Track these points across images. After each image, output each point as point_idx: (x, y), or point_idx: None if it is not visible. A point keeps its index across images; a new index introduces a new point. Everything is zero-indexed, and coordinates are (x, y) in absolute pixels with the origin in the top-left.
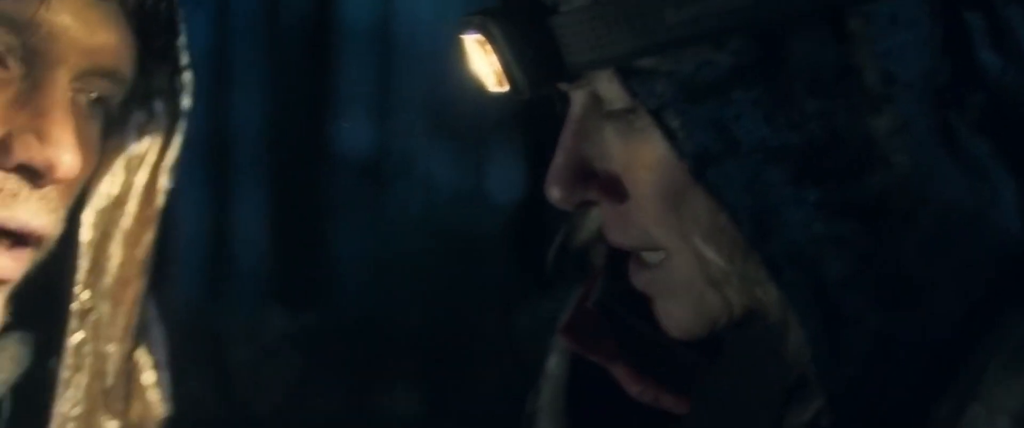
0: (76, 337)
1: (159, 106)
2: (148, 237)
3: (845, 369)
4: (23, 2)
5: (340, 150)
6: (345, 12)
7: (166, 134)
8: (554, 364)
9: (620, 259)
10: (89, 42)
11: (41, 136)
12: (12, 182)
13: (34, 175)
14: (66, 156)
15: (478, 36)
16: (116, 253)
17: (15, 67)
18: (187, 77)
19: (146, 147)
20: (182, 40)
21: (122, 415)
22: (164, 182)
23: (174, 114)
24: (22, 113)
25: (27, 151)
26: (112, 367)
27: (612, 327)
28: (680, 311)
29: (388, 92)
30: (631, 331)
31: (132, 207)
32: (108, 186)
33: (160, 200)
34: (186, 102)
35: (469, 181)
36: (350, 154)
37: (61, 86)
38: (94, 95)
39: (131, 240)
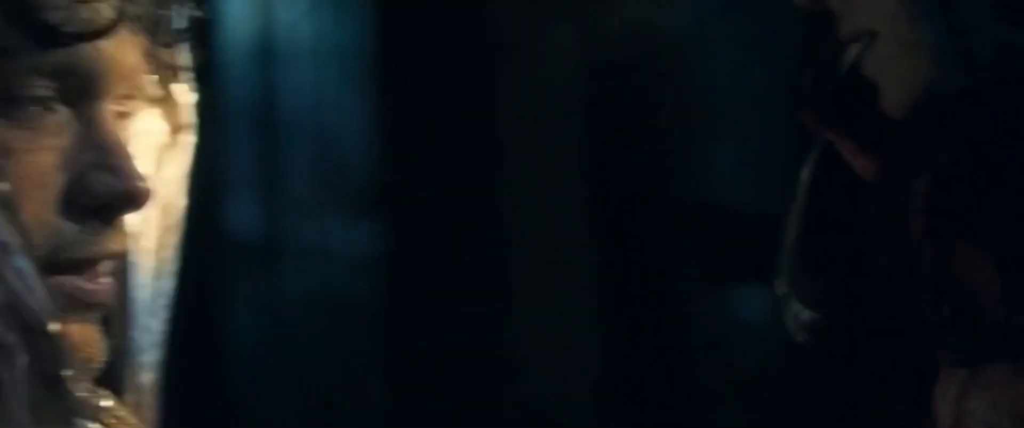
0: None
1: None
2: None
3: (968, 75)
4: (59, 52)
5: (230, 230)
6: (227, 91)
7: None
8: (805, 173)
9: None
10: (124, 67)
11: (114, 171)
12: (95, 221)
13: (114, 210)
14: (141, 186)
15: None
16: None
17: (63, 110)
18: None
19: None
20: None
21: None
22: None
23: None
24: (86, 153)
25: (107, 189)
26: None
27: (840, 108)
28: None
29: (275, 169)
30: (853, 109)
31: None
32: None
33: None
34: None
35: (363, 251)
36: (240, 234)
37: (110, 117)
38: (125, 111)
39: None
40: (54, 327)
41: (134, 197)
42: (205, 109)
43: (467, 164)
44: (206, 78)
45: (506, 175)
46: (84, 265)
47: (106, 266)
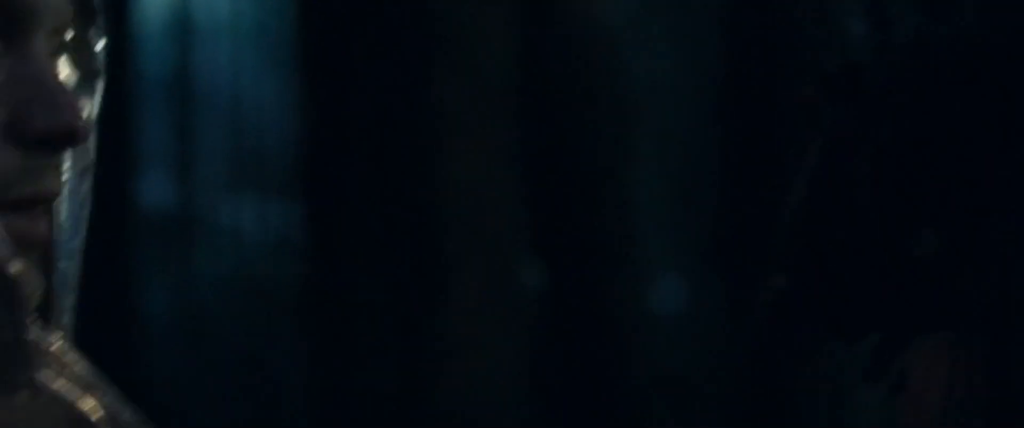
0: None
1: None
2: None
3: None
4: None
5: (143, 206)
6: (142, 65)
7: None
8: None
9: None
10: (56, 2)
11: (53, 107)
12: (37, 156)
13: (55, 145)
14: (81, 122)
15: None
16: None
17: None
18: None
19: None
20: None
21: None
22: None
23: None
24: (22, 88)
25: (47, 124)
26: None
27: None
28: None
29: (189, 145)
30: None
31: None
32: None
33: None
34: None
35: (278, 231)
36: (153, 210)
37: (44, 52)
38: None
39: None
40: (15, 268)
41: (75, 132)
42: (120, 83)
43: (395, 146)
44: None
45: (435, 158)
46: (27, 204)
47: (45, 206)
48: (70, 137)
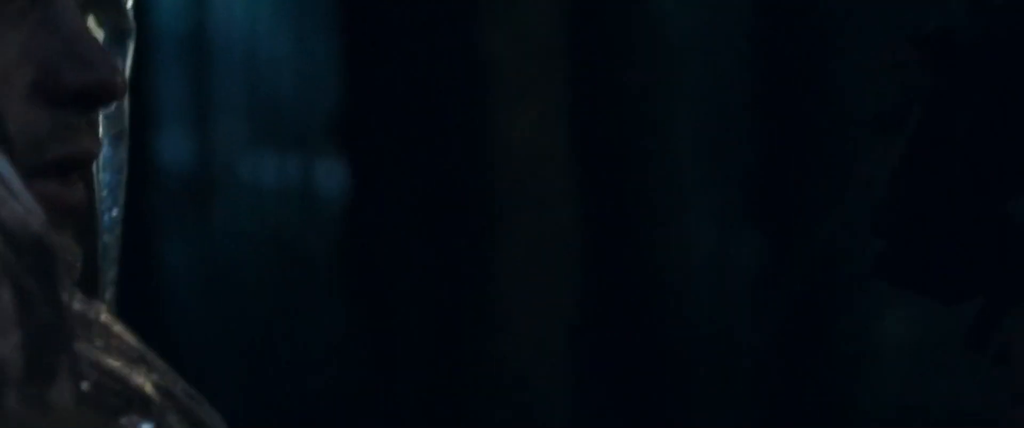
0: None
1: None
2: None
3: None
4: None
5: (161, 163)
6: (158, 21)
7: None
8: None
9: None
10: None
11: (86, 63)
12: (70, 115)
13: (88, 103)
14: (117, 77)
15: None
16: None
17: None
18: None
19: None
20: None
21: None
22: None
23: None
24: (52, 44)
25: (80, 81)
26: None
27: None
28: None
29: (207, 101)
30: None
31: None
32: None
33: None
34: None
35: (296, 185)
36: (172, 166)
37: (72, 6)
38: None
39: None
40: (49, 237)
41: (111, 88)
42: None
43: (431, 100)
44: None
45: (473, 111)
46: (61, 167)
47: (80, 172)
48: (105, 94)
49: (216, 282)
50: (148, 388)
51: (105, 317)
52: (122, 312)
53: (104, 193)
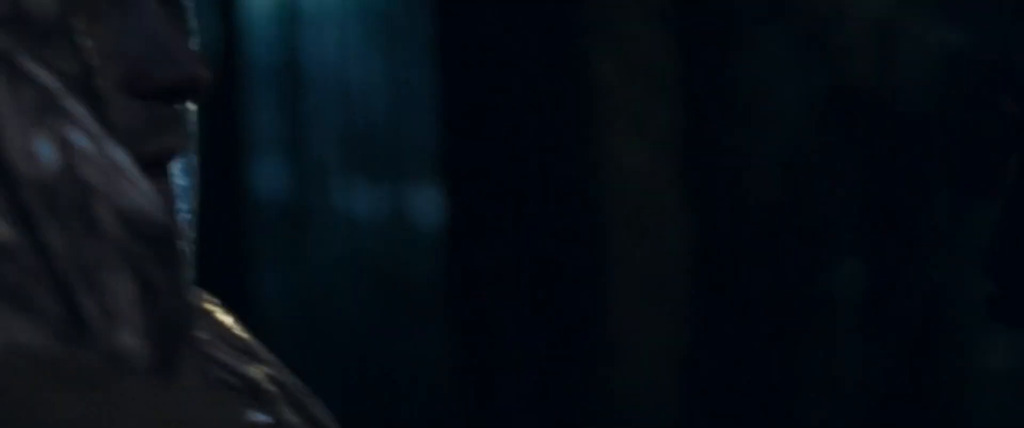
0: None
1: None
2: None
3: None
4: None
5: (256, 192)
6: (252, 51)
7: None
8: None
9: None
10: None
11: (169, 57)
12: (159, 109)
13: (176, 97)
14: (203, 72)
15: None
16: None
17: None
18: None
19: None
20: None
21: None
22: None
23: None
24: (137, 39)
25: (168, 75)
26: None
27: None
28: None
29: (302, 130)
30: None
31: None
32: None
33: None
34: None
35: (389, 214)
36: (267, 195)
37: (153, 3)
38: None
39: None
40: (171, 226)
41: (198, 83)
42: (232, 70)
43: (532, 127)
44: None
45: (581, 139)
46: (154, 161)
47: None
48: (193, 88)
49: (312, 311)
50: (262, 379)
51: (214, 308)
52: None
53: (180, 193)
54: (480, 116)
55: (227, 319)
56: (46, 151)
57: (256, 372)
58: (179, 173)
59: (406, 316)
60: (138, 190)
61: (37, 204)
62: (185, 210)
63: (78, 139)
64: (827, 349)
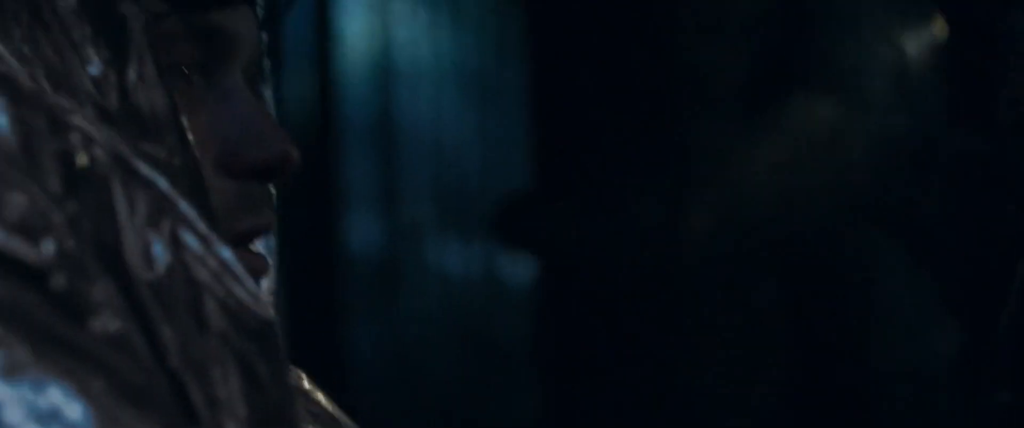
0: None
1: None
2: None
3: None
4: (200, 14)
5: (350, 247)
6: (346, 108)
7: None
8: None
9: None
10: (250, 38)
11: (259, 139)
12: (251, 187)
13: (267, 176)
14: (292, 150)
15: None
16: None
17: (198, 80)
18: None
19: None
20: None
21: None
22: None
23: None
24: (229, 123)
25: (258, 155)
26: None
27: None
28: None
29: (394, 186)
30: None
31: None
32: None
33: None
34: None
35: (482, 271)
36: (360, 251)
37: (242, 84)
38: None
39: None
40: (275, 321)
41: (287, 162)
42: (326, 128)
43: (622, 186)
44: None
45: (669, 202)
46: (249, 237)
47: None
48: (282, 167)
49: (403, 367)
50: None
51: (306, 384)
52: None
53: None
54: (573, 174)
55: (318, 395)
56: (160, 252)
57: None
58: (263, 247)
59: (497, 374)
60: (243, 287)
61: (152, 302)
62: (273, 281)
63: (189, 240)
64: (920, 405)
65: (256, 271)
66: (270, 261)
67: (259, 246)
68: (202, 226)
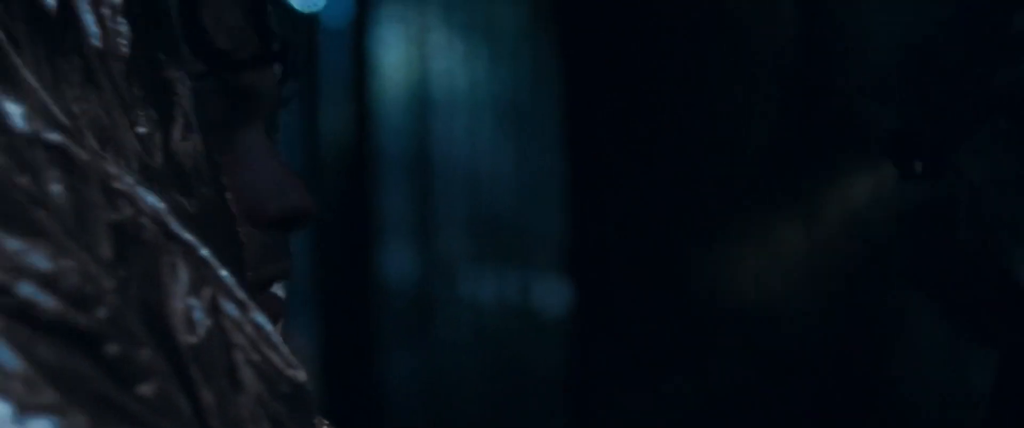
0: None
1: None
2: None
3: None
4: (233, 74)
5: (385, 278)
6: (382, 139)
7: None
8: None
9: None
10: (273, 94)
11: (280, 191)
12: (271, 237)
13: (288, 226)
14: (310, 202)
15: None
16: None
17: (225, 135)
18: None
19: None
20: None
21: None
22: None
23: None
24: (253, 176)
25: (279, 207)
26: None
27: None
28: None
29: (430, 217)
30: None
31: None
32: None
33: None
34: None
35: (517, 302)
36: (395, 282)
37: (263, 136)
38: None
39: None
40: (304, 378)
41: (306, 212)
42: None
43: (657, 218)
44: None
45: (709, 241)
46: (269, 284)
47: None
48: (302, 217)
49: (438, 398)
50: None
51: None
52: (344, 422)
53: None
54: (609, 205)
55: None
56: (201, 317)
57: None
58: (280, 290)
59: (532, 405)
60: (276, 351)
61: (193, 366)
62: (287, 321)
63: (227, 306)
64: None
65: (274, 314)
66: (287, 300)
67: (276, 288)
68: (239, 293)
